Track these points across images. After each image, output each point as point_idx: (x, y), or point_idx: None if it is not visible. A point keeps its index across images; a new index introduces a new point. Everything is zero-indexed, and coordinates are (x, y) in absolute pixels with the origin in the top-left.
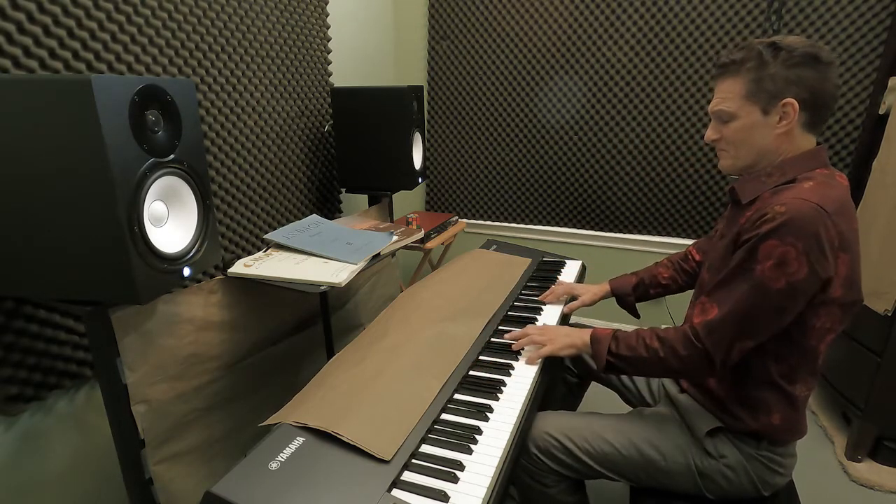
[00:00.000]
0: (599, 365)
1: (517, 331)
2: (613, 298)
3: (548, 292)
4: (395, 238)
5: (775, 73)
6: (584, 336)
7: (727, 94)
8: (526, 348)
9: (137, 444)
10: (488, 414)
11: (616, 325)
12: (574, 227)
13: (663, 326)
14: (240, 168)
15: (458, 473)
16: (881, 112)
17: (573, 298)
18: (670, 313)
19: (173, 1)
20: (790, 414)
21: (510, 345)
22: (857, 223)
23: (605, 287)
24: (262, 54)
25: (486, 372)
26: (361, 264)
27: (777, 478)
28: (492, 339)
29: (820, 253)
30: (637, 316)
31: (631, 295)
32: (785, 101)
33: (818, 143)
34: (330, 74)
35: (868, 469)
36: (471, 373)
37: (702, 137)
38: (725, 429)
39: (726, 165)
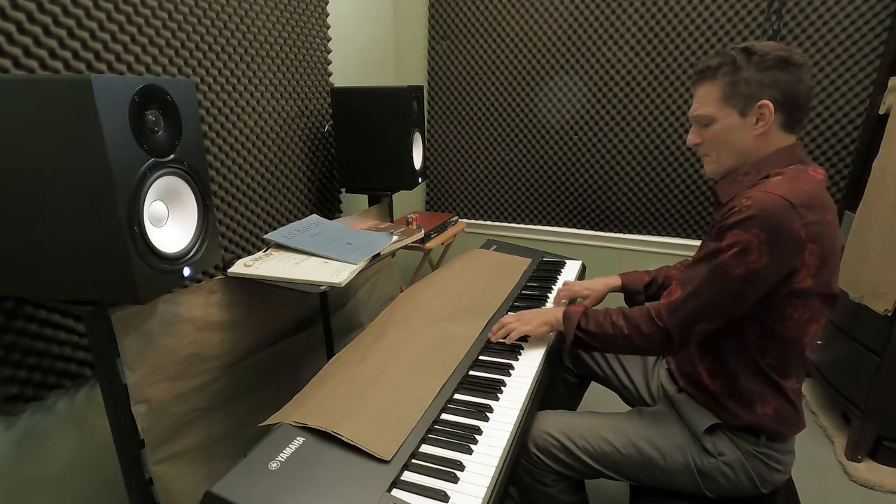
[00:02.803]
0: (568, 339)
1: (495, 325)
2: (621, 295)
3: (555, 299)
4: (395, 238)
5: (749, 77)
6: (557, 314)
7: (705, 99)
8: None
9: (137, 444)
10: (488, 414)
11: None
12: (574, 227)
13: None
14: (240, 168)
15: (458, 473)
16: (881, 112)
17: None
18: None
19: (173, 1)
20: (783, 405)
21: (506, 342)
22: (833, 214)
23: (614, 281)
24: (262, 54)
25: (486, 372)
26: (361, 264)
27: (776, 475)
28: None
29: (782, 243)
30: None
31: (642, 293)
32: (761, 102)
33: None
34: (330, 74)
35: (868, 469)
36: (471, 373)
37: None
38: (724, 426)
39: (711, 170)
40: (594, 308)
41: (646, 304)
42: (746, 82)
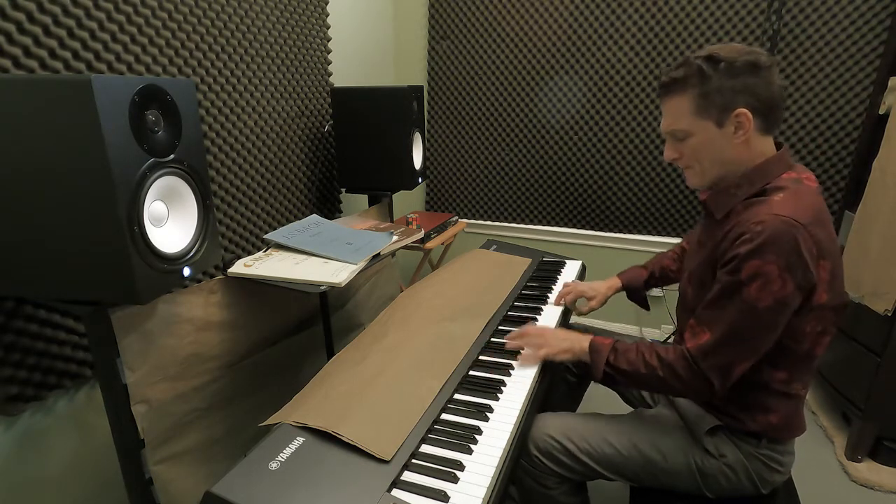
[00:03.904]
0: (596, 375)
1: (515, 330)
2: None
3: (558, 296)
4: (395, 238)
5: (721, 86)
6: (582, 343)
7: (677, 113)
8: (523, 350)
9: (137, 444)
10: (488, 414)
11: (616, 326)
12: (574, 227)
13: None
14: (240, 168)
15: (458, 473)
16: (881, 112)
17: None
18: (671, 314)
19: (173, 1)
20: (789, 413)
21: (505, 343)
22: (832, 227)
23: (615, 283)
24: (262, 54)
25: (486, 372)
26: (361, 264)
27: (776, 476)
28: (492, 339)
29: (801, 266)
30: (647, 308)
31: (643, 290)
32: (737, 111)
33: (777, 143)
34: (330, 74)
35: (868, 469)
36: (471, 373)
37: None
38: (725, 427)
39: (696, 182)
40: (622, 341)
41: (677, 344)
42: (719, 92)
